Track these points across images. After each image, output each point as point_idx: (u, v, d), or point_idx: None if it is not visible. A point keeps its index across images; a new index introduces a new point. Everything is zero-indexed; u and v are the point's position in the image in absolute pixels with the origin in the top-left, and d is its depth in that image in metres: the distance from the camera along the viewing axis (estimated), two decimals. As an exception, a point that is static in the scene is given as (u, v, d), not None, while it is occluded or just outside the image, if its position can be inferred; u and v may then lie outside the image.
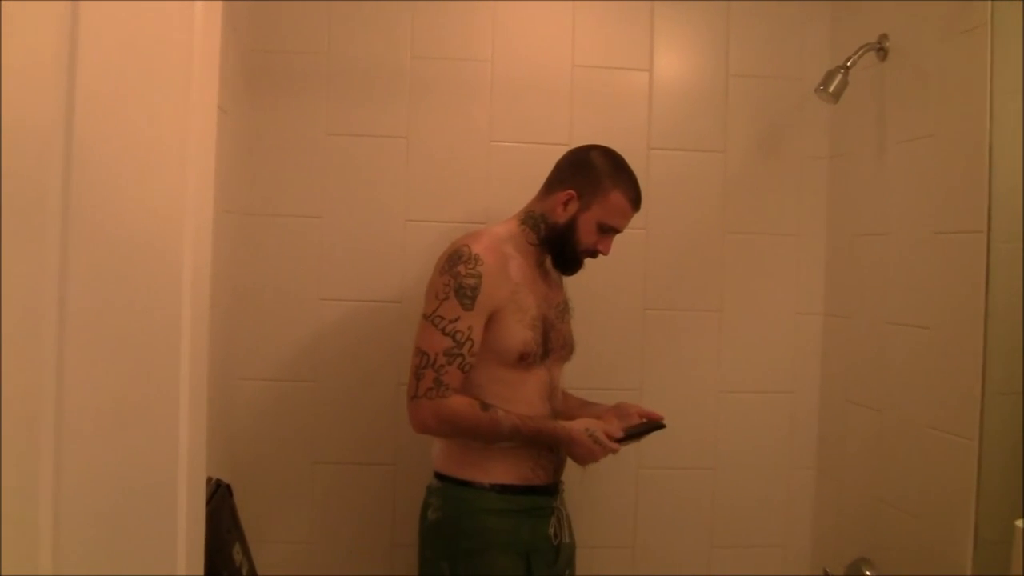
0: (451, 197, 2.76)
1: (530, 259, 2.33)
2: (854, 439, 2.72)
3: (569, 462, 2.33)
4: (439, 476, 2.30)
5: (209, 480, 1.97)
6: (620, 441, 2.27)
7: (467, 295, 2.17)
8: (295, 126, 2.73)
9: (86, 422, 0.75)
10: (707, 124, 2.90)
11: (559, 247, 2.34)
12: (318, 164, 2.74)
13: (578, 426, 2.25)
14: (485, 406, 2.18)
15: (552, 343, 2.32)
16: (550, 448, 2.29)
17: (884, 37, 2.57)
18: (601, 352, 2.79)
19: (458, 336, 2.16)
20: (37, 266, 0.66)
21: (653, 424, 2.35)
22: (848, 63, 2.53)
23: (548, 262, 2.40)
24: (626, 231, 2.79)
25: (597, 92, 2.85)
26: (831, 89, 2.53)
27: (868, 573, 2.52)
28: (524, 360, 2.24)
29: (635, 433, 2.32)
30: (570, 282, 2.50)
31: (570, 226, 2.31)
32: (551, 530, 2.30)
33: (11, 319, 0.60)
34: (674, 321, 2.90)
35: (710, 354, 2.92)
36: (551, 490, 2.32)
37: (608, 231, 2.32)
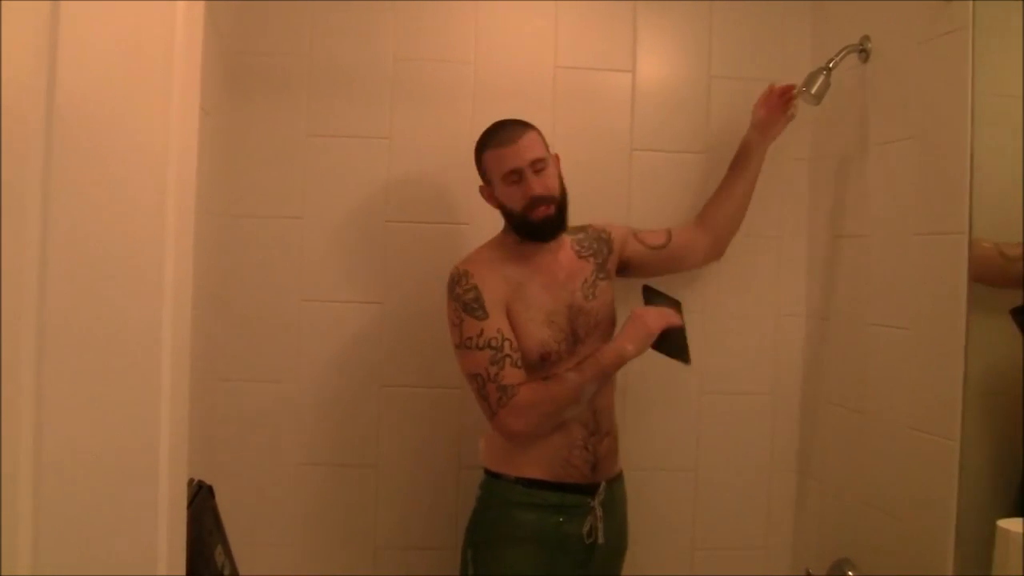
0: (433, 199, 2.76)
1: (527, 259, 2.34)
2: (836, 440, 2.73)
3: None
4: (485, 469, 2.37)
5: (191, 481, 1.95)
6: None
7: (475, 307, 2.23)
8: (277, 127, 2.72)
9: (67, 422, 0.74)
10: (689, 125, 2.90)
11: (517, 227, 2.33)
12: (300, 165, 2.73)
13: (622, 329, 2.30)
14: (546, 377, 2.23)
15: (580, 330, 2.34)
16: (584, 447, 2.30)
17: (866, 39, 2.58)
18: (584, 353, 2.80)
19: (493, 343, 2.21)
20: (17, 267, 0.65)
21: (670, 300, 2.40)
22: (830, 64, 2.54)
23: (555, 246, 2.39)
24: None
25: (579, 94, 2.85)
26: (813, 91, 2.53)
27: (850, 574, 2.52)
28: (547, 360, 2.26)
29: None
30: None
31: (501, 206, 2.35)
32: (585, 529, 2.30)
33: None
34: (656, 322, 2.90)
35: (691, 355, 2.92)
36: (586, 489, 2.31)
37: (515, 179, 2.28)
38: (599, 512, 2.33)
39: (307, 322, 2.73)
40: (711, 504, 2.93)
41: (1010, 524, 1.86)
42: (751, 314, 2.94)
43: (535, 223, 2.29)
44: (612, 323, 2.43)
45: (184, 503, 1.18)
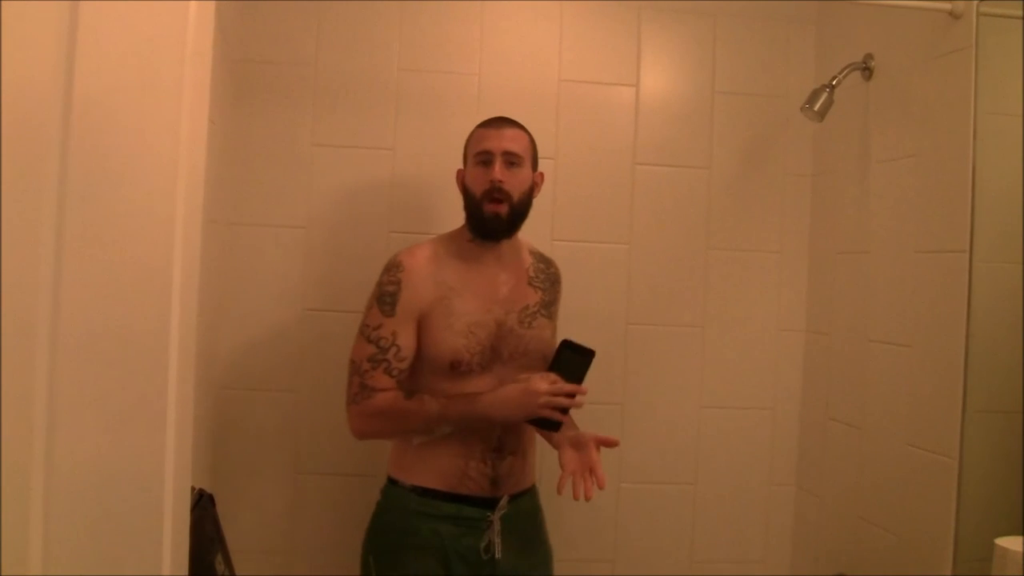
0: (436, 210, 2.76)
1: (473, 261, 2.30)
2: (834, 456, 2.73)
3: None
4: (387, 475, 2.35)
5: (192, 489, 1.96)
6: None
7: (387, 302, 2.22)
8: (281, 136, 2.73)
9: (76, 430, 0.75)
10: (692, 140, 2.91)
11: (470, 214, 2.29)
12: (304, 175, 2.74)
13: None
14: (410, 394, 2.21)
15: (504, 350, 2.28)
16: (483, 460, 2.24)
17: (869, 57, 2.59)
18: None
19: (381, 343, 2.20)
20: (32, 276, 0.66)
21: (582, 351, 2.20)
22: (833, 82, 2.55)
23: (510, 260, 2.35)
24: (610, 245, 2.80)
25: (583, 107, 2.86)
26: (816, 107, 2.55)
27: (847, 589, 2.53)
28: (457, 368, 2.22)
29: (567, 367, 2.19)
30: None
31: (465, 189, 2.31)
32: (483, 544, 2.24)
33: (6, 330, 0.60)
34: (656, 336, 2.91)
35: (692, 369, 2.93)
36: (484, 503, 2.25)
37: (486, 160, 2.25)
38: (497, 527, 2.25)
39: (310, 331, 2.73)
40: (710, 517, 2.93)
41: (1009, 543, 1.87)
42: (751, 329, 2.95)
43: (484, 216, 2.24)
44: (542, 358, 2.33)
45: (187, 509, 1.19)
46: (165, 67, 1.03)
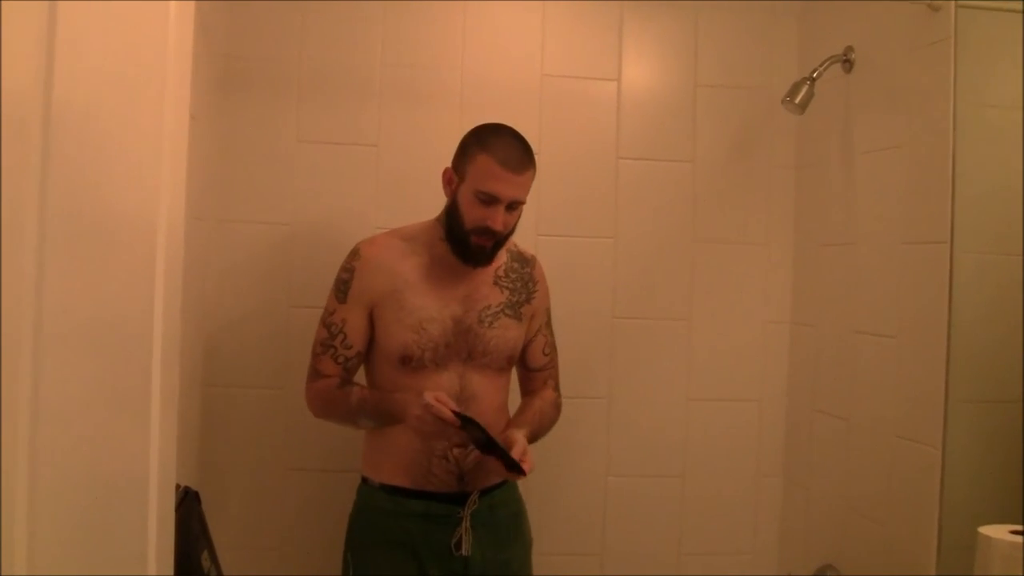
0: (420, 205, 2.74)
1: (440, 256, 2.27)
2: (821, 447, 2.75)
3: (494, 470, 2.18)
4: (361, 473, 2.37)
5: (177, 487, 1.95)
6: (463, 427, 2.03)
7: (341, 289, 2.26)
8: (265, 133, 2.73)
9: (60, 427, 0.75)
10: (675, 134, 2.92)
11: (451, 230, 2.22)
12: (288, 171, 2.74)
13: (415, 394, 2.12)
14: (343, 383, 2.24)
15: (463, 348, 2.25)
16: (445, 457, 2.21)
17: (850, 49, 2.60)
18: (569, 360, 2.78)
19: (332, 328, 2.26)
20: (14, 275, 0.66)
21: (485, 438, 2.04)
22: (814, 75, 2.56)
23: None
24: (595, 239, 2.81)
25: (566, 101, 2.87)
26: (797, 100, 2.55)
27: (834, 579, 2.54)
28: (407, 363, 2.21)
29: (473, 427, 2.03)
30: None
31: (454, 204, 2.21)
32: (453, 541, 2.22)
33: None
34: (643, 329, 2.92)
35: (678, 363, 2.93)
36: (453, 499, 2.23)
37: (488, 200, 2.14)
38: (467, 523, 2.23)
39: (295, 328, 2.73)
40: (697, 509, 2.95)
41: (992, 531, 1.88)
42: (737, 321, 2.96)
43: (468, 245, 2.19)
44: (509, 360, 2.33)
45: (172, 507, 1.19)
46: (146, 65, 1.03)
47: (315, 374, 2.28)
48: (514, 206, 2.18)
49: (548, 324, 2.48)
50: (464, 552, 2.22)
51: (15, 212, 0.66)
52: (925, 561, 2.17)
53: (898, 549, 2.30)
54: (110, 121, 0.91)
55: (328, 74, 2.76)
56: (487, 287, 2.31)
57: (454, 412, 2.01)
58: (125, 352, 0.98)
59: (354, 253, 2.28)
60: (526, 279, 2.40)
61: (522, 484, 2.35)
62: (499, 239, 2.20)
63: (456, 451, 2.20)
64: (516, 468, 2.04)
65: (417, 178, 2.75)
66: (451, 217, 2.23)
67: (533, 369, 2.46)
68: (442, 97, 2.80)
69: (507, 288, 2.34)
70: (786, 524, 2.96)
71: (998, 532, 1.87)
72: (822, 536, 2.71)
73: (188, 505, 1.99)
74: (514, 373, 2.44)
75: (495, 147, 2.16)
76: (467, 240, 2.19)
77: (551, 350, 2.48)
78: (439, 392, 2.08)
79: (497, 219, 2.15)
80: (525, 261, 2.43)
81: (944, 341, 2.15)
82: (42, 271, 0.69)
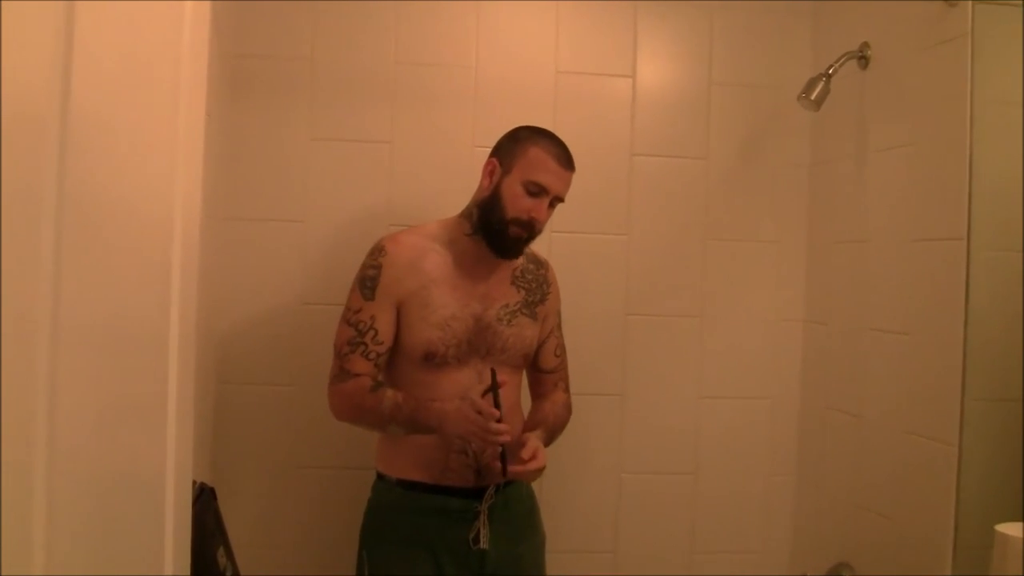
0: (434, 202, 2.75)
1: (461, 254, 2.29)
2: (834, 444, 2.74)
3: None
4: (376, 470, 2.36)
5: (193, 484, 1.96)
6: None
7: (367, 286, 2.24)
8: (279, 131, 2.73)
9: (78, 426, 0.75)
10: (689, 131, 2.91)
11: (488, 222, 2.23)
12: (302, 169, 2.74)
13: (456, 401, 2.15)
14: (376, 386, 2.21)
15: (482, 345, 2.27)
16: (463, 451, 2.22)
17: (865, 45, 2.59)
18: (582, 356, 2.78)
19: (360, 326, 2.22)
20: (31, 274, 0.66)
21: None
22: (830, 71, 2.55)
23: (494, 260, 2.30)
24: (608, 236, 2.80)
25: (580, 98, 2.86)
26: (813, 97, 2.54)
27: (848, 577, 2.54)
28: (430, 360, 2.22)
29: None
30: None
31: (495, 195, 2.22)
32: (471, 535, 2.23)
33: (6, 329, 0.60)
34: (655, 326, 2.91)
35: (691, 360, 2.93)
36: (470, 493, 2.24)
37: (537, 192, 2.19)
38: (484, 517, 2.25)
39: (309, 325, 2.73)
40: (710, 507, 2.94)
41: (1009, 528, 1.87)
42: (751, 319, 2.95)
43: (506, 236, 2.21)
44: (525, 358, 2.36)
45: (189, 504, 1.19)
46: (162, 66, 1.03)
47: (343, 374, 2.23)
48: (554, 203, 2.24)
49: (559, 327, 2.50)
50: (483, 545, 2.23)
51: (32, 213, 0.66)
52: (941, 560, 2.17)
53: (913, 547, 2.29)
54: (126, 122, 0.91)
55: (341, 72, 2.76)
56: (505, 286, 2.34)
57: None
58: (141, 351, 0.98)
59: (379, 250, 2.27)
60: (540, 280, 2.43)
61: (535, 481, 2.35)
62: (533, 234, 2.24)
63: (475, 445, 2.20)
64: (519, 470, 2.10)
65: (431, 175, 2.76)
66: (488, 208, 2.24)
67: (545, 371, 2.47)
68: (456, 94, 2.80)
69: (524, 288, 2.38)
70: (799, 522, 2.95)
71: (1015, 530, 1.86)
72: (835, 534, 2.70)
73: (204, 501, 2.00)
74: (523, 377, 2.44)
75: (547, 143, 2.24)
76: (505, 231, 2.21)
77: (562, 352, 2.50)
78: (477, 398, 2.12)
79: (542, 211, 2.20)
80: (539, 263, 2.46)
81: (960, 338, 2.14)
82: (59, 271, 0.69)
